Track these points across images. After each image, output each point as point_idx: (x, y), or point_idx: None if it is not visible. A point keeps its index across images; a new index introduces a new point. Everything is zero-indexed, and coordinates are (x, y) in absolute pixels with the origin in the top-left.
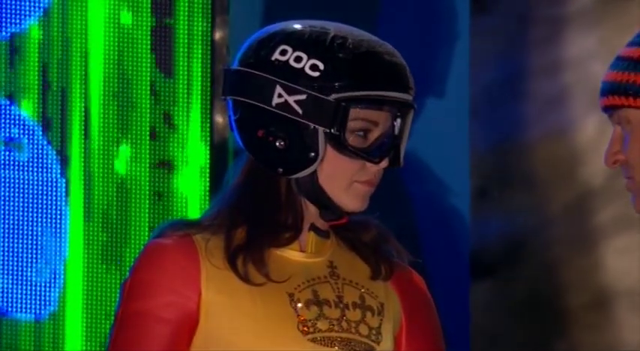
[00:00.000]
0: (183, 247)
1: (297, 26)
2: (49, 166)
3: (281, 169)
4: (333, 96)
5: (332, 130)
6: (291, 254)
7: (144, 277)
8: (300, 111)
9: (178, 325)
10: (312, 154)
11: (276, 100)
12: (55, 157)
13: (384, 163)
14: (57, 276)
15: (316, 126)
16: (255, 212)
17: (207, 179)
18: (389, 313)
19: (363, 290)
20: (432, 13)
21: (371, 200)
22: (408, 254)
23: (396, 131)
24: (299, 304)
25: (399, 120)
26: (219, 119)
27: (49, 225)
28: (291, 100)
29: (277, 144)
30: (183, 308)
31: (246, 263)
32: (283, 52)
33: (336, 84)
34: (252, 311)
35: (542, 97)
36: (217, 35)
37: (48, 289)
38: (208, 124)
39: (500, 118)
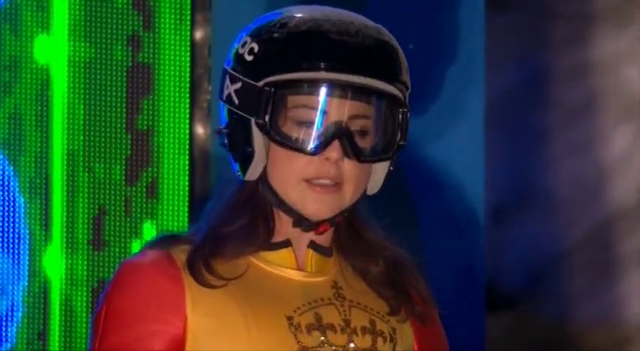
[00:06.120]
0: (161, 264)
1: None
2: (6, 184)
3: (238, 171)
4: (263, 81)
5: (260, 120)
6: (290, 273)
7: (120, 305)
8: (236, 101)
9: None
10: (249, 149)
11: (225, 93)
12: (12, 173)
13: (332, 154)
14: (15, 308)
15: (248, 116)
16: (219, 221)
17: (187, 192)
18: (401, 339)
19: (373, 313)
20: (442, 9)
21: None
22: (437, 305)
23: (345, 118)
24: (299, 329)
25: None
26: (199, 130)
27: (5, 251)
28: (232, 90)
29: (226, 141)
30: (168, 337)
31: (200, 265)
32: (244, 43)
33: (267, 67)
34: (245, 336)
35: (567, 105)
36: (198, 35)
37: (4, 323)
38: (187, 136)
39: (518, 128)
